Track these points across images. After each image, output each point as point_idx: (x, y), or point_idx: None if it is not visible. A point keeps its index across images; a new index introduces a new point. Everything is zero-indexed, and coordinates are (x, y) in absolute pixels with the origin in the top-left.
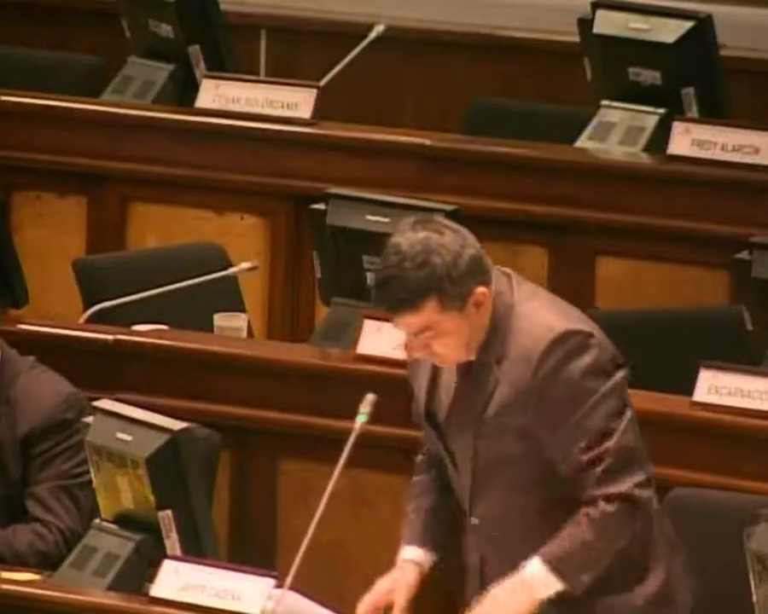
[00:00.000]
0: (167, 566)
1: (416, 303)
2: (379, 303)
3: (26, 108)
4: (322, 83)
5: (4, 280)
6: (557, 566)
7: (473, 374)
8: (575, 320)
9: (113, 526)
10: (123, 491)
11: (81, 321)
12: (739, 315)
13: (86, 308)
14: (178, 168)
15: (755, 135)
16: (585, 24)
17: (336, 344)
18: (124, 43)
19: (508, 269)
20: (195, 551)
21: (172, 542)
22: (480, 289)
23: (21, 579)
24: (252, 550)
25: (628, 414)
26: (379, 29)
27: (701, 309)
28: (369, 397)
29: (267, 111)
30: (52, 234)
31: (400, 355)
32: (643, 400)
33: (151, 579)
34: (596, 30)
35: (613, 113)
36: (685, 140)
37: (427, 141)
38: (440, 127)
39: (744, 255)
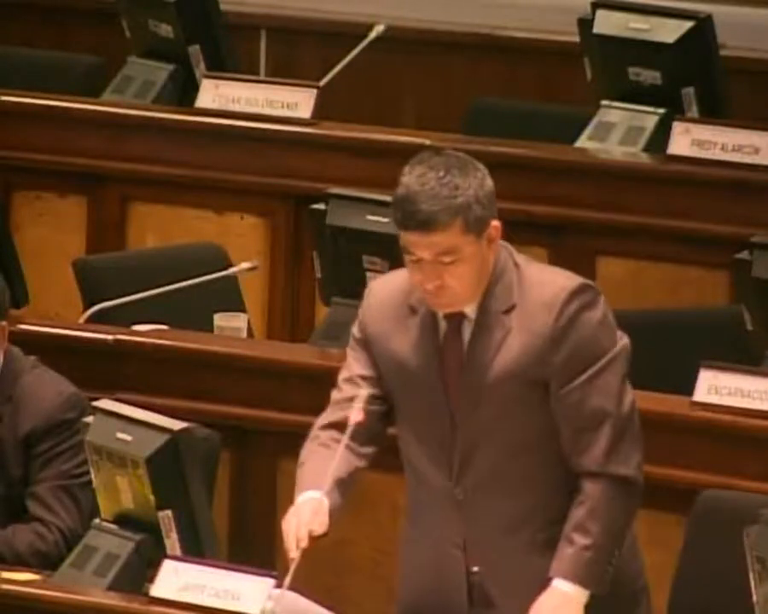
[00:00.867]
0: (167, 566)
1: (446, 219)
2: (403, 219)
3: (26, 108)
4: (322, 83)
5: (4, 281)
6: (582, 579)
7: (476, 325)
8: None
9: (113, 526)
10: (123, 491)
11: (81, 321)
12: (739, 315)
13: (86, 308)
14: (178, 168)
15: (755, 135)
16: (585, 24)
17: (336, 344)
18: (124, 43)
19: (505, 242)
20: (195, 551)
21: (172, 542)
22: (495, 222)
23: (21, 579)
24: (252, 550)
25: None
26: (379, 29)
27: (701, 309)
28: (363, 394)
29: (267, 111)
30: (52, 234)
31: None
32: (643, 400)
33: (151, 579)
34: (596, 30)
35: (613, 113)
36: (685, 140)
37: (427, 142)
38: (440, 127)
39: (744, 255)
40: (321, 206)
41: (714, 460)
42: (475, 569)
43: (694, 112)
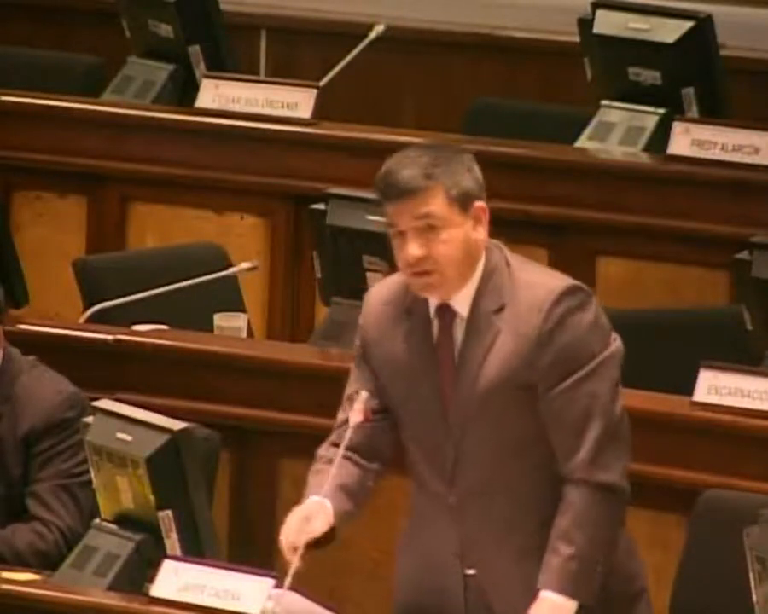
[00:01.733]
0: (167, 566)
1: (426, 185)
2: (384, 189)
3: (26, 108)
4: (322, 83)
5: (4, 281)
6: (569, 590)
7: (467, 326)
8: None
9: (113, 526)
10: (123, 491)
11: (81, 321)
12: (739, 315)
13: (86, 308)
14: (178, 168)
15: (755, 135)
16: (585, 24)
17: (336, 344)
18: (124, 43)
19: (498, 242)
20: (195, 551)
21: (172, 542)
22: (482, 203)
23: (21, 579)
24: (252, 550)
25: (619, 388)
26: (379, 29)
27: (701, 309)
28: (363, 395)
29: (267, 111)
30: (52, 234)
31: None
32: (643, 400)
33: (151, 579)
34: (596, 30)
35: (613, 113)
36: (685, 140)
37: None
38: (440, 127)
39: (744, 255)
40: (321, 206)
41: (714, 460)
42: (471, 572)
43: (694, 112)
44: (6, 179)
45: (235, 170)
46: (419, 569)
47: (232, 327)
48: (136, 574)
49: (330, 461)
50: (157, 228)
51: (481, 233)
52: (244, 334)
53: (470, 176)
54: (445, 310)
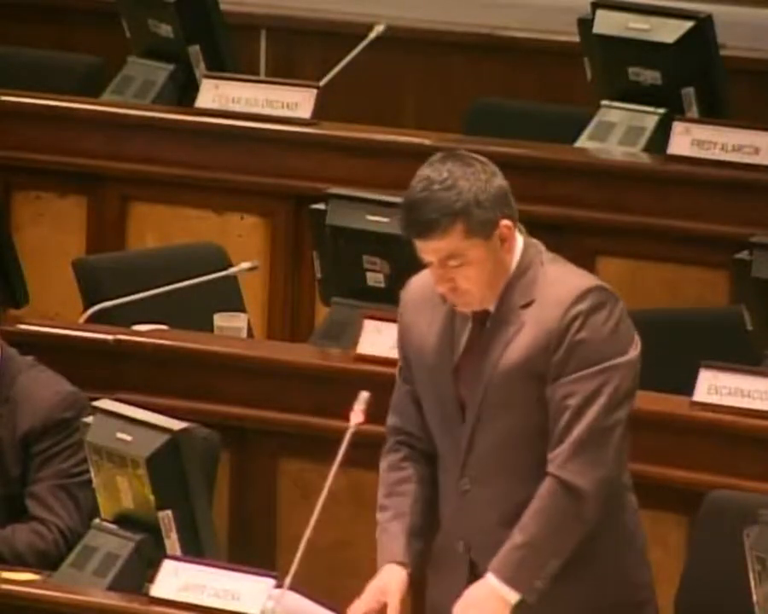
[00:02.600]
0: (167, 566)
1: (444, 225)
2: (406, 227)
3: (26, 108)
4: (322, 83)
5: (4, 280)
6: (509, 578)
7: (495, 318)
8: (606, 284)
9: (113, 526)
10: (123, 491)
11: (81, 321)
12: (739, 315)
13: (86, 308)
14: (178, 168)
15: (755, 135)
16: (585, 24)
17: (336, 344)
18: (124, 43)
19: (537, 241)
20: (195, 551)
21: (172, 542)
22: (505, 221)
23: (21, 579)
24: (252, 550)
25: (631, 400)
26: (379, 29)
27: (701, 309)
28: (364, 395)
29: (267, 111)
30: (52, 234)
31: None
32: (643, 400)
33: (151, 579)
34: (596, 30)
35: (613, 113)
36: (685, 140)
37: (427, 141)
38: (440, 127)
39: (744, 255)
40: (321, 206)
41: (714, 460)
42: (474, 559)
43: (694, 112)
44: (6, 179)
45: (235, 170)
46: (437, 549)
47: (232, 327)
48: (136, 574)
49: (396, 514)
50: (157, 228)
51: (509, 249)
52: (244, 334)
53: (489, 197)
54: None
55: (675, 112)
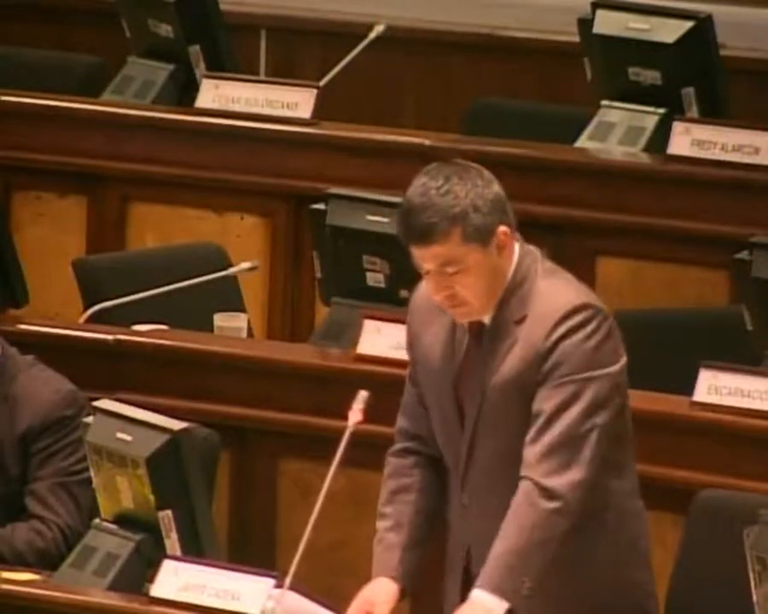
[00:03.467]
0: (167, 566)
1: (442, 229)
2: (404, 232)
3: (26, 108)
4: (322, 83)
5: (4, 281)
6: (496, 587)
7: (490, 333)
8: (596, 300)
9: (113, 526)
10: (123, 491)
11: (81, 321)
12: (739, 315)
13: (86, 308)
14: (178, 168)
15: (755, 135)
16: (585, 24)
17: (336, 344)
18: (124, 43)
19: (534, 247)
20: (195, 551)
21: (172, 542)
22: (503, 228)
23: (21, 579)
24: (252, 550)
25: (609, 410)
26: (379, 29)
27: (701, 309)
28: (363, 394)
29: (267, 111)
30: (52, 234)
31: (400, 355)
32: (643, 400)
33: (151, 579)
34: (596, 30)
35: (613, 113)
36: (685, 140)
37: (427, 141)
38: (440, 127)
39: (744, 255)
40: (321, 206)
41: (714, 460)
42: (474, 571)
43: (694, 112)
44: (6, 179)
45: (235, 170)
46: (448, 552)
47: (232, 327)
48: (136, 574)
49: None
50: (157, 228)
51: (506, 256)
52: (244, 334)
53: (486, 203)
54: (475, 321)
55: (675, 112)
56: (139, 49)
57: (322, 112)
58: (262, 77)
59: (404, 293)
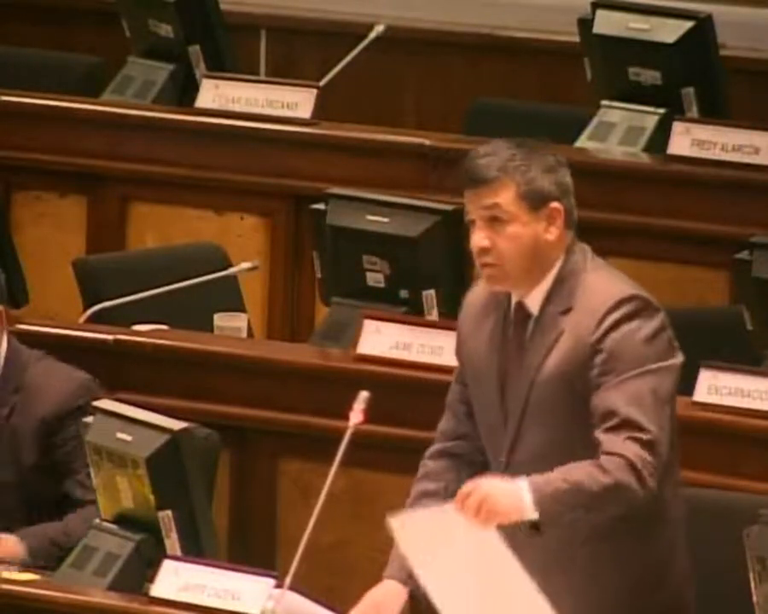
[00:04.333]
0: (167, 566)
1: (498, 178)
2: (465, 173)
3: (26, 108)
4: (322, 83)
5: (4, 281)
6: (539, 498)
7: (537, 322)
8: (645, 293)
9: (113, 526)
10: (123, 491)
11: (81, 321)
12: (739, 315)
13: (86, 308)
14: (178, 168)
15: (755, 135)
16: (585, 24)
17: (336, 344)
18: (124, 43)
19: (585, 245)
20: (195, 551)
21: (172, 542)
22: (557, 205)
23: (21, 579)
24: (252, 550)
25: (672, 404)
26: (379, 29)
27: (701, 309)
28: (363, 395)
29: (267, 111)
30: (52, 234)
31: (400, 355)
32: None
33: (151, 579)
34: (596, 30)
35: (613, 113)
36: (685, 140)
37: (427, 141)
38: (440, 127)
39: (744, 255)
40: (321, 206)
41: (714, 460)
42: None
43: (694, 112)
44: (6, 179)
45: (235, 170)
46: None
47: (232, 327)
48: (136, 574)
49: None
50: (157, 228)
51: (554, 233)
52: (244, 334)
53: (549, 177)
54: (520, 308)
55: (675, 112)
56: (139, 49)
57: (322, 112)
58: (262, 77)
59: (403, 293)
